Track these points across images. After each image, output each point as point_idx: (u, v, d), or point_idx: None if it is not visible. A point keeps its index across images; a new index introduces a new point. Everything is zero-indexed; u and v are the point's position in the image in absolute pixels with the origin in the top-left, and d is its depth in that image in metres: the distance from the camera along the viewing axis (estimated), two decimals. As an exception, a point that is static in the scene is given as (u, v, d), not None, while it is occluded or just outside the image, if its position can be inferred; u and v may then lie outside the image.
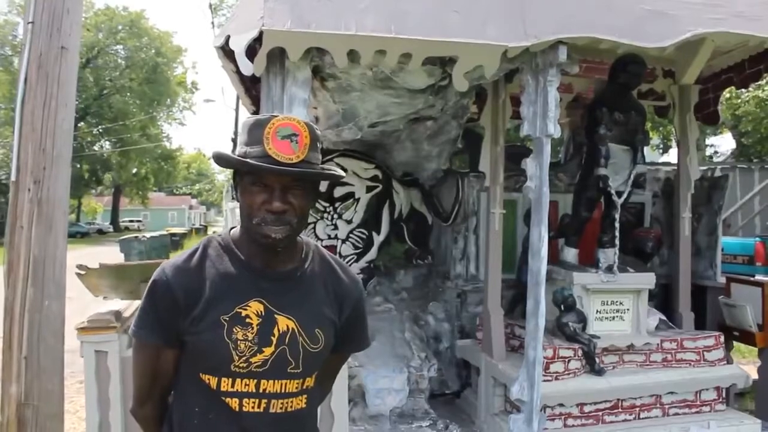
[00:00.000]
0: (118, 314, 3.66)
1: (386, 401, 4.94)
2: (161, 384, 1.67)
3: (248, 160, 1.50)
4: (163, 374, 1.65)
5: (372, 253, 6.06)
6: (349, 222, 5.95)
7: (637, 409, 4.56)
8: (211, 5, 31.66)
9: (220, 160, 1.59)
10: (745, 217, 11.87)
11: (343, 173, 1.72)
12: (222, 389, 1.56)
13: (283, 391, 1.60)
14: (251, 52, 3.43)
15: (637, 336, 4.73)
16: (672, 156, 20.87)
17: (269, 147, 1.49)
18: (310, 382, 1.67)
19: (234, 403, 1.56)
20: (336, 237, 5.92)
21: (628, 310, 4.80)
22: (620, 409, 4.52)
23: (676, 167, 5.56)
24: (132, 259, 17.42)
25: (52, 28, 3.14)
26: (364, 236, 6.00)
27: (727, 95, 15.84)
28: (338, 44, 3.48)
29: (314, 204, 1.63)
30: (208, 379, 1.56)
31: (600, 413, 4.47)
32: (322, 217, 5.83)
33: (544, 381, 4.13)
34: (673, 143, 19.95)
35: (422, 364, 5.20)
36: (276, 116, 1.54)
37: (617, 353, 4.66)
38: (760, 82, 9.96)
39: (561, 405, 4.34)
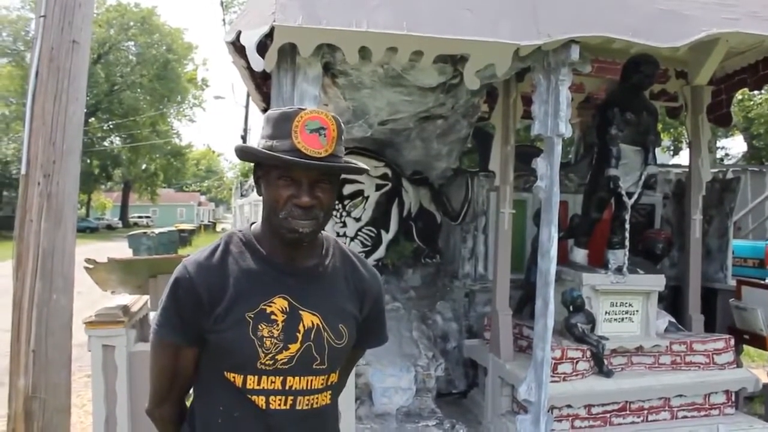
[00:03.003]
0: (126, 309, 3.67)
1: (393, 400, 4.93)
2: (180, 383, 1.65)
3: (277, 154, 1.47)
4: (183, 373, 1.63)
5: (380, 252, 6.05)
6: (357, 220, 5.94)
7: (646, 411, 4.53)
8: (222, 2, 31.67)
9: (246, 153, 1.57)
10: (755, 220, 11.77)
11: (367, 167, 1.69)
12: (248, 387, 1.54)
13: (308, 387, 1.58)
14: (262, 47, 3.41)
15: (646, 338, 4.70)
16: (682, 158, 20.80)
17: (298, 141, 1.46)
18: (334, 377, 1.66)
19: (260, 401, 1.54)
20: (344, 234, 5.91)
21: (637, 311, 4.77)
22: (628, 411, 4.49)
23: (687, 169, 5.51)
24: (140, 255, 17.51)
25: (64, 21, 3.15)
26: (372, 234, 5.99)
27: (740, 97, 15.75)
28: (350, 41, 3.46)
29: (336, 198, 1.63)
30: (234, 377, 1.54)
31: (608, 415, 4.44)
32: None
33: (552, 382, 4.11)
34: (684, 145, 19.88)
35: (429, 364, 5.19)
36: (303, 109, 1.51)
37: (626, 355, 4.64)
38: (773, 84, 9.87)
39: (569, 406, 4.32)
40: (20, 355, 3.13)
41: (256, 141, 1.60)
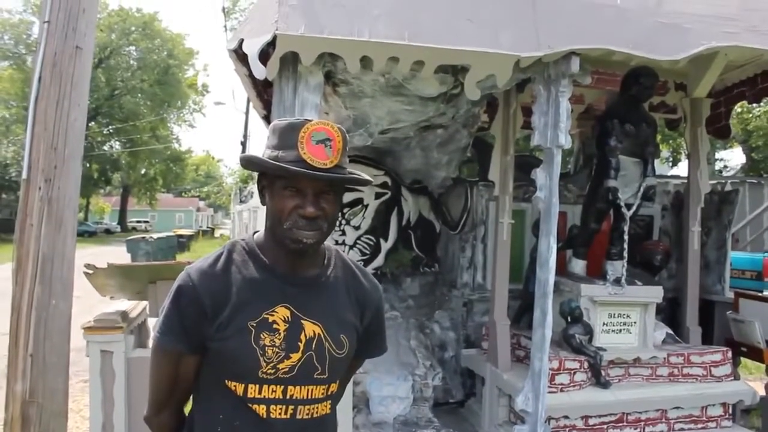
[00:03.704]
0: (124, 315, 3.67)
1: (390, 409, 4.93)
2: (180, 391, 1.66)
3: (283, 164, 1.48)
4: (184, 381, 1.63)
5: (379, 260, 6.05)
6: (356, 228, 5.95)
7: (642, 423, 4.53)
8: (224, 8, 31.82)
9: (251, 163, 1.57)
10: (753, 232, 11.80)
11: (371, 179, 1.70)
12: (249, 396, 1.54)
13: (309, 397, 1.59)
14: (264, 55, 3.43)
15: (643, 349, 4.70)
16: (681, 169, 20.84)
17: (304, 152, 1.47)
18: (334, 387, 1.67)
19: (261, 409, 1.54)
20: (343, 243, 5.91)
21: (635, 323, 4.77)
22: (625, 423, 4.49)
23: (685, 180, 5.53)
24: (138, 260, 17.52)
25: (68, 27, 3.16)
26: (371, 243, 6.00)
27: (739, 110, 15.81)
28: (351, 50, 3.48)
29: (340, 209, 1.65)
30: (234, 385, 1.55)
31: (605, 426, 4.44)
32: (330, 223, 5.82)
33: (550, 392, 4.10)
34: (683, 156, 19.94)
35: (427, 373, 5.19)
36: (310, 120, 1.52)
37: (623, 366, 4.64)
38: (772, 98, 9.90)
39: (566, 417, 4.32)
40: (18, 360, 3.12)
41: (260, 150, 1.61)
